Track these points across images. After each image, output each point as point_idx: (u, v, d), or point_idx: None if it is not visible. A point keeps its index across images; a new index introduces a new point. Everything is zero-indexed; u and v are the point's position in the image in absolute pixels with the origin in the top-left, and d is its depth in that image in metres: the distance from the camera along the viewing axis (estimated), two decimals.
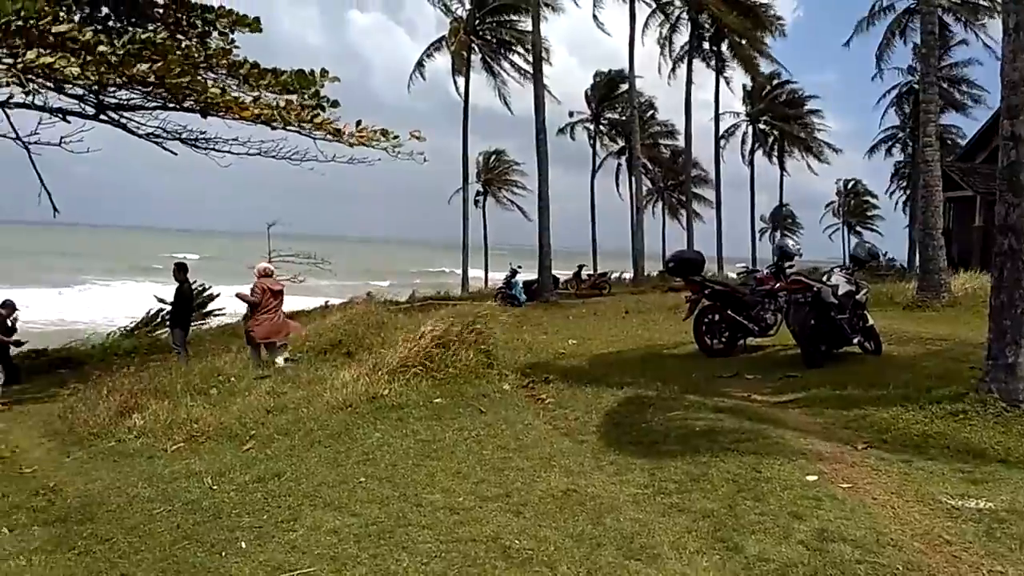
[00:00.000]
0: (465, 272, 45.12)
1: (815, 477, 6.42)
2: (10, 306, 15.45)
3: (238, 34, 14.11)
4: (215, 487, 7.25)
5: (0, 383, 14.56)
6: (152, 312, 25.89)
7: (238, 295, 14.43)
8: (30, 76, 11.43)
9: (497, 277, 46.43)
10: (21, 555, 5.94)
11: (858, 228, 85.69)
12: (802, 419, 8.43)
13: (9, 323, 15.02)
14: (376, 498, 6.60)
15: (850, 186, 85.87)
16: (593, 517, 5.96)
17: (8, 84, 12.22)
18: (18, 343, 15.62)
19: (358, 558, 5.47)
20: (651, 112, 60.79)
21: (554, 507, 6.20)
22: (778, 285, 12.73)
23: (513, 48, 44.53)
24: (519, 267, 28.03)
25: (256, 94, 13.42)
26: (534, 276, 29.40)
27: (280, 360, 12.98)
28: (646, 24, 44.14)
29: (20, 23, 10.89)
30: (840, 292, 11.61)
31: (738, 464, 6.76)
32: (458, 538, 5.71)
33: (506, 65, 45.34)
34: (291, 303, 31.39)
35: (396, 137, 14.22)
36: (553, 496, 6.43)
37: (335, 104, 13.03)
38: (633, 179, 41.36)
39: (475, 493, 6.60)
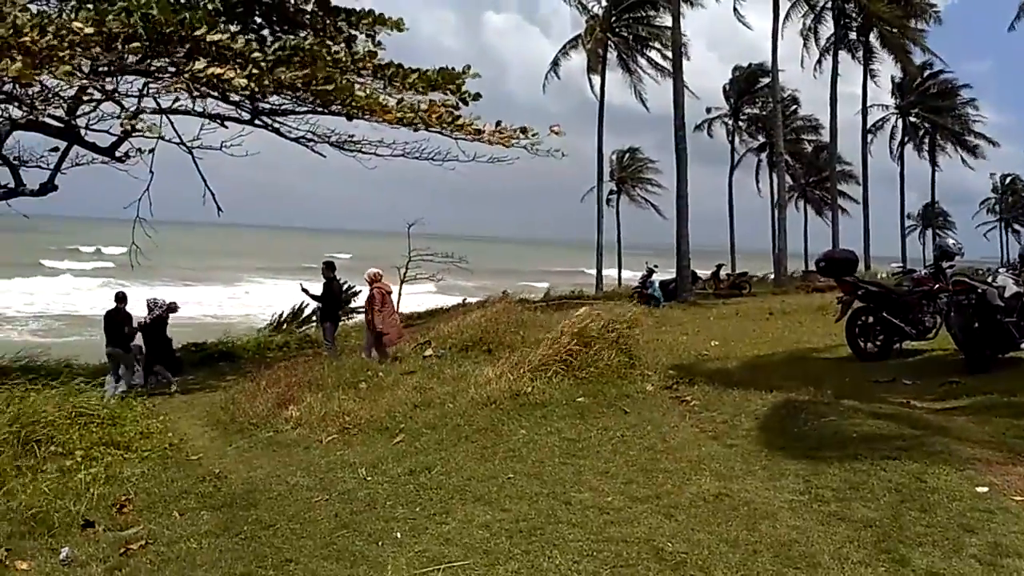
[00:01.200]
0: (599, 271, 44.91)
1: (986, 488, 6.03)
2: (162, 305, 16.18)
3: (383, 37, 14.57)
4: (369, 478, 7.48)
5: (171, 377, 15.44)
6: (297, 307, 27.04)
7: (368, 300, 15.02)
8: (197, 85, 12.14)
9: (630, 276, 46.03)
10: (192, 538, 6.29)
11: (1016, 227, 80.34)
12: (969, 427, 7.93)
13: (147, 320, 15.76)
14: (525, 494, 6.64)
15: (1008, 182, 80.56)
16: (747, 523, 5.80)
17: (175, 91, 13.05)
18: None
19: (510, 553, 5.52)
20: (793, 107, 58.82)
21: (706, 511, 6.07)
22: (938, 286, 12.07)
23: (650, 44, 44.06)
24: (656, 266, 27.69)
25: (399, 96, 13.81)
26: (669, 275, 28.97)
27: (428, 352, 13.37)
28: (787, 16, 42.76)
29: (183, 32, 11.59)
30: (1007, 294, 10.89)
31: (901, 473, 6.42)
32: (609, 538, 5.67)
33: (642, 62, 44.92)
34: (429, 301, 32.21)
35: (535, 135, 14.35)
36: (705, 500, 6.30)
37: (477, 97, 13.26)
38: (775, 176, 40.12)
39: (624, 493, 6.55)
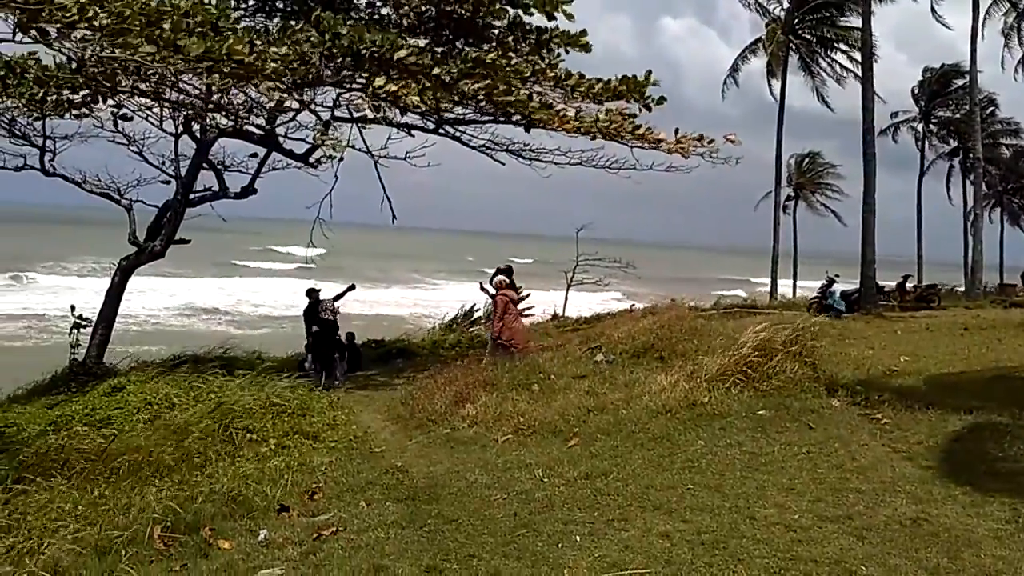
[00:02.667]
0: (774, 280, 43.36)
1: None
2: (329, 306, 16.82)
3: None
4: (545, 480, 7.54)
5: (344, 370, 16.21)
6: (468, 307, 27.69)
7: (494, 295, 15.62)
8: (377, 100, 12.68)
9: (806, 286, 44.19)
10: (379, 527, 6.53)
11: None
12: None
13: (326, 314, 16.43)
14: (706, 506, 6.49)
15: None
16: (948, 550, 5.45)
17: (362, 104, 13.70)
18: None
19: (692, 564, 5.41)
20: (991, 109, 54.70)
21: (903, 535, 5.73)
22: None
23: (835, 46, 42.23)
24: (836, 276, 26.43)
25: (578, 106, 13.88)
26: (851, 286, 27.58)
27: (599, 356, 13.36)
28: (987, 13, 39.78)
29: (374, 51, 12.12)
30: None
31: None
32: (797, 556, 5.46)
33: (825, 64, 43.10)
34: (596, 305, 32.18)
35: (712, 142, 14.08)
36: (900, 523, 5.95)
37: (661, 101, 13.12)
38: (969, 182, 37.42)
39: (812, 512, 6.28)
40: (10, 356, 28.70)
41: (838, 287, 26.44)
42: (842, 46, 41.73)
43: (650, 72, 12.95)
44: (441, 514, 6.79)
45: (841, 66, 42.38)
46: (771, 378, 10.10)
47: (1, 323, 37.85)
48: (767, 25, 42.68)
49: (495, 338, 15.14)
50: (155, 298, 44.16)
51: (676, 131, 13.99)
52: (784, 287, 46.62)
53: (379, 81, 11.72)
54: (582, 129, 13.46)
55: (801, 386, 10.01)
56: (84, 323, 16.50)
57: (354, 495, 7.62)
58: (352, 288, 16.30)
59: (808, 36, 43.21)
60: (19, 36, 7.95)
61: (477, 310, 27.33)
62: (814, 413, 9.12)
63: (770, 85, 44.65)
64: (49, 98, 14.37)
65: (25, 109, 14.83)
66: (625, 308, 29.73)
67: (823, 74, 43.60)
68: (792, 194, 56.56)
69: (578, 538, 6.02)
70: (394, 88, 11.63)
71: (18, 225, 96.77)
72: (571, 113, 13.46)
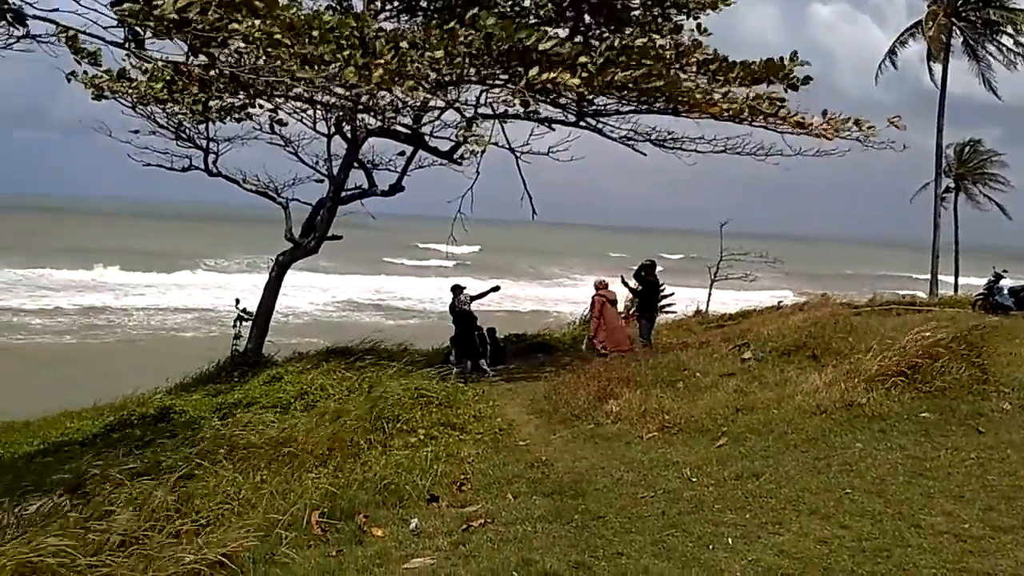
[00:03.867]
0: (934, 275, 40.99)
1: None
2: (465, 300, 16.97)
3: (707, 23, 14.36)
4: (694, 479, 7.38)
5: (488, 364, 16.37)
6: None
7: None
8: (531, 92, 12.73)
9: (968, 283, 41.56)
10: (527, 521, 6.57)
11: None
12: None
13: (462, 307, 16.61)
14: (866, 512, 6.19)
15: None
16: None
17: (512, 98, 13.82)
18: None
19: (854, 573, 5.17)
20: None
21: None
22: None
23: (1001, 29, 39.43)
24: (1004, 271, 24.70)
25: (725, 90, 13.53)
26: (1019, 282, 25.70)
27: (747, 354, 13.01)
28: None
29: (517, 46, 12.20)
30: None
31: None
32: (968, 568, 5.15)
33: (992, 48, 40.28)
34: (742, 302, 31.35)
35: (871, 127, 13.43)
36: None
37: (807, 81, 12.65)
38: None
39: (983, 521, 5.89)
40: (179, 347, 30.74)
41: (1006, 283, 24.70)
42: (1009, 29, 38.94)
43: (795, 52, 12.49)
44: (588, 510, 6.77)
45: (1009, 49, 39.56)
46: (935, 379, 9.51)
47: (172, 316, 40.50)
48: (928, 7, 40.32)
49: (591, 337, 15.29)
50: (308, 292, 46.20)
51: (824, 113, 13.44)
52: (945, 284, 44.00)
53: (533, 71, 11.76)
54: (730, 112, 13.13)
55: (968, 388, 9.38)
56: (246, 316, 17.43)
57: (501, 487, 7.71)
58: (496, 289, 16.47)
59: (973, 18, 40.55)
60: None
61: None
62: (983, 417, 8.53)
63: (930, 70, 42.14)
64: (211, 103, 15.28)
65: (190, 114, 15.80)
66: (772, 304, 28.82)
67: (989, 58, 40.81)
68: (952, 185, 53.27)
69: (730, 540, 5.86)
70: (553, 75, 11.63)
71: (184, 222, 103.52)
72: (718, 96, 13.15)
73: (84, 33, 7.17)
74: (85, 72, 13.11)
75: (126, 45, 7.60)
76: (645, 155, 16.14)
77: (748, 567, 5.35)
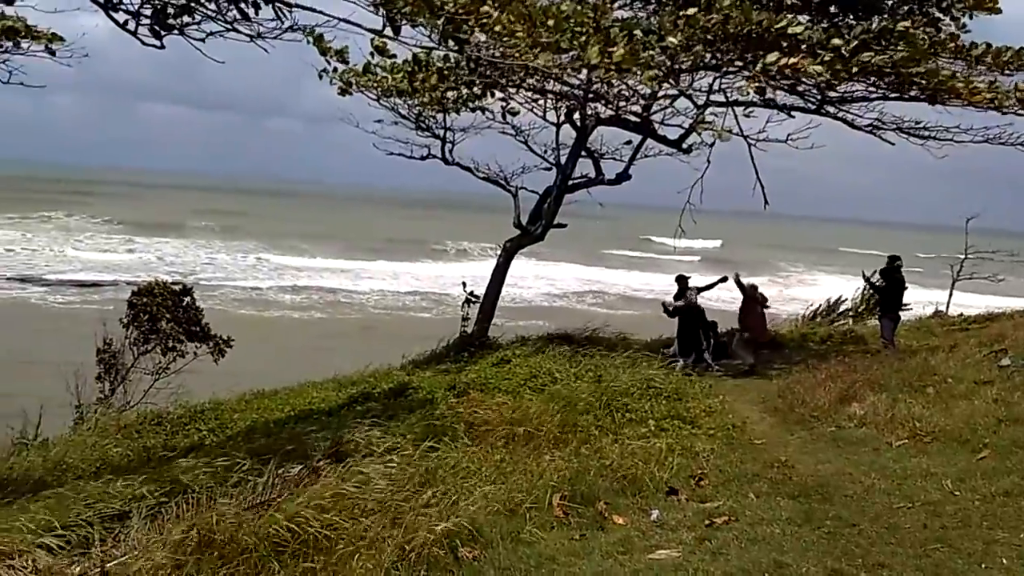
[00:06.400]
0: None
1: None
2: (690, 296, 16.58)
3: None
4: (956, 493, 6.86)
5: (711, 358, 15.96)
6: (833, 300, 26.09)
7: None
8: (767, 78, 12.28)
9: None
10: (774, 523, 6.36)
11: None
12: None
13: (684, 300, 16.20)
14: None
15: None
16: None
17: (748, 85, 13.38)
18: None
19: None
20: None
21: None
22: None
23: None
24: None
25: (990, 78, 12.47)
26: None
27: (1006, 361, 11.92)
28: None
29: (759, 30, 11.77)
30: None
31: None
32: None
33: None
34: (987, 305, 28.80)
35: None
36: None
37: None
38: None
39: None
40: (410, 326, 32.42)
41: None
42: None
43: None
44: (838, 516, 6.46)
45: None
46: None
47: (404, 297, 42.82)
48: None
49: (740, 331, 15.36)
50: (530, 279, 47.32)
51: None
52: None
53: (771, 57, 11.34)
54: (996, 102, 12.06)
55: None
56: (474, 299, 18.08)
57: (740, 485, 7.51)
58: (724, 280, 16.04)
59: None
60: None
61: (844, 301, 25.75)
62: None
63: None
64: (449, 94, 15.91)
65: (429, 105, 16.54)
66: None
67: None
68: None
69: (1005, 560, 5.40)
70: (793, 60, 11.18)
71: (418, 209, 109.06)
72: (982, 84, 12.11)
73: (346, 21, 7.63)
74: (335, 69, 14.08)
75: (383, 32, 8.05)
76: (892, 144, 15.16)
77: None
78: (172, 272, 42.78)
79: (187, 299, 17.10)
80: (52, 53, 9.67)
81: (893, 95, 13.90)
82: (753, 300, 15.63)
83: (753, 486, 7.48)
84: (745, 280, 15.99)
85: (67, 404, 14.72)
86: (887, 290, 15.72)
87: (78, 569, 5.99)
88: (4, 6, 8.98)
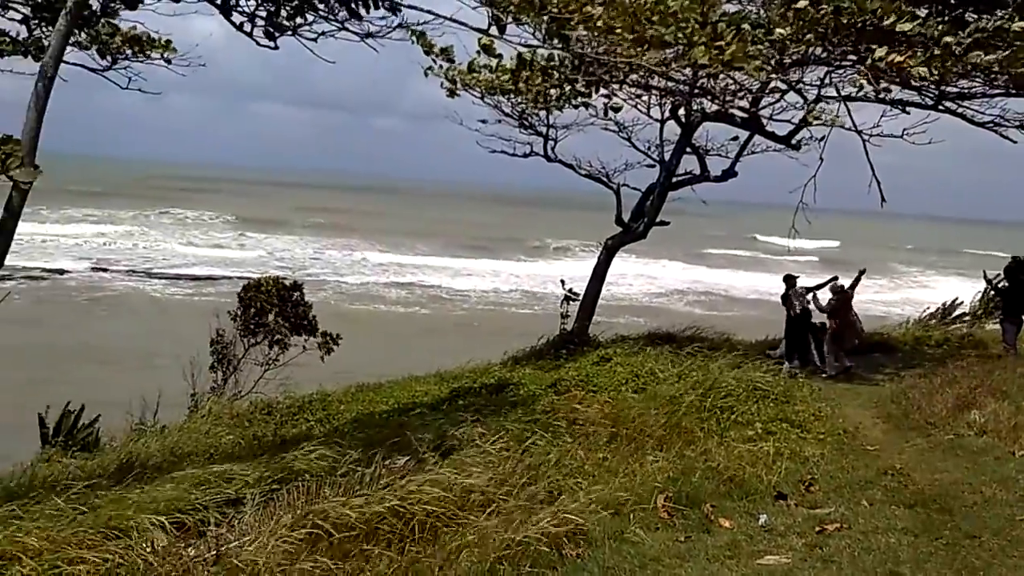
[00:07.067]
0: None
1: None
2: (801, 295, 16.06)
3: None
4: None
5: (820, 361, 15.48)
6: (949, 303, 24.94)
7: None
8: (878, 73, 11.85)
9: None
10: (889, 532, 6.13)
11: None
12: None
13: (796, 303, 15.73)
14: None
15: None
16: None
17: (856, 80, 12.95)
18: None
19: None
20: None
21: None
22: None
23: None
24: None
25: None
26: None
27: None
28: None
29: (872, 22, 11.35)
30: None
31: None
32: None
33: None
34: None
35: None
36: None
37: None
38: None
39: None
40: (510, 322, 32.66)
41: None
42: None
43: None
44: (958, 527, 6.18)
45: None
46: None
47: (504, 295, 43.13)
48: None
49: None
50: (633, 276, 46.97)
51: None
52: None
53: (880, 52, 10.95)
54: None
55: None
56: (573, 296, 18.04)
57: (853, 492, 7.28)
58: (835, 279, 15.55)
59: None
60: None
61: (960, 304, 24.63)
62: None
63: None
64: (552, 91, 15.91)
65: (532, 103, 16.57)
66: None
67: None
68: None
69: None
70: (899, 58, 10.77)
71: (519, 207, 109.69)
72: None
73: (452, 20, 7.72)
74: (440, 66, 14.27)
75: (488, 31, 8.11)
76: (1015, 143, 14.40)
77: None
78: (282, 267, 44.17)
79: (296, 294, 17.61)
80: (168, 62, 10.18)
81: (1013, 92, 13.25)
82: (846, 302, 15.15)
83: (866, 493, 7.24)
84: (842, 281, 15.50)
85: (183, 392, 15.39)
86: (1010, 292, 14.97)
87: (193, 551, 6.26)
88: (126, 9, 9.47)
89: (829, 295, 15.18)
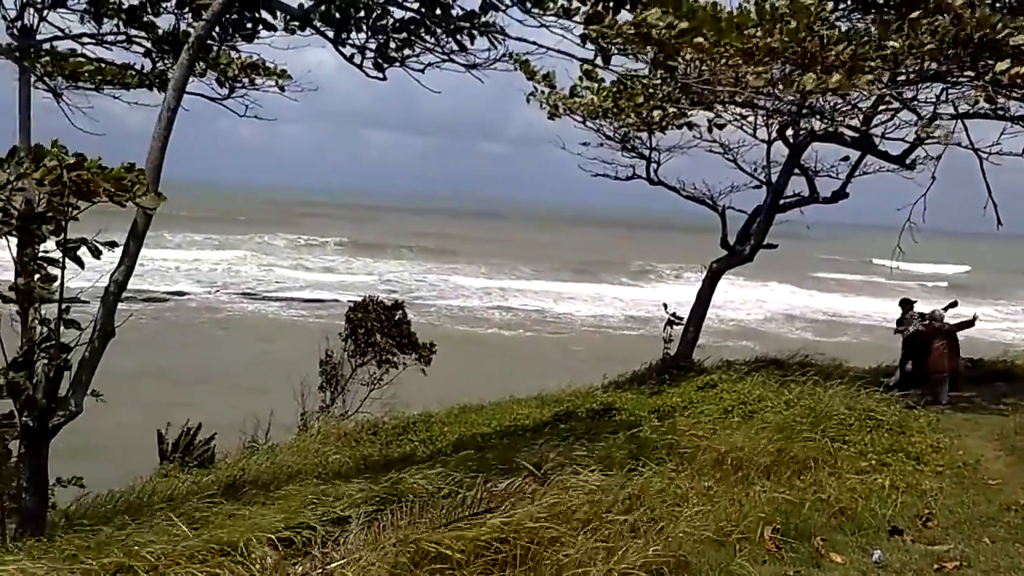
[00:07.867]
0: None
1: None
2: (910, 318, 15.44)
3: None
4: None
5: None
6: None
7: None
8: (998, 88, 11.39)
9: None
10: (1013, 571, 5.88)
11: None
12: None
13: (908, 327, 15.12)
14: None
15: None
16: None
17: (974, 95, 12.45)
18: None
19: None
20: None
21: None
22: None
23: None
24: None
25: None
26: None
27: None
28: None
29: (992, 34, 10.90)
30: None
31: None
32: None
33: None
34: None
35: None
36: None
37: None
38: None
39: None
40: (611, 346, 32.50)
41: None
42: None
43: None
44: None
45: None
46: None
47: (606, 318, 43.00)
48: None
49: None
50: (739, 301, 46.08)
51: None
52: None
53: (1001, 65, 10.51)
54: None
55: None
56: (676, 320, 17.79)
57: (973, 529, 6.93)
58: (954, 305, 14.90)
59: None
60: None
61: None
62: None
63: None
64: (655, 113, 15.82)
65: (634, 125, 16.53)
66: None
67: None
68: None
69: None
70: (1022, 70, 10.31)
71: (621, 229, 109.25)
72: None
73: (556, 51, 7.79)
74: (542, 91, 14.41)
75: (594, 60, 8.16)
76: None
77: None
78: (390, 291, 45.28)
79: (398, 313, 18.01)
80: (282, 89, 10.61)
81: None
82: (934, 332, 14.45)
83: (988, 530, 6.88)
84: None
85: (294, 412, 15.89)
86: None
87: (300, 569, 6.40)
88: (243, 43, 9.89)
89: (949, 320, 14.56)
